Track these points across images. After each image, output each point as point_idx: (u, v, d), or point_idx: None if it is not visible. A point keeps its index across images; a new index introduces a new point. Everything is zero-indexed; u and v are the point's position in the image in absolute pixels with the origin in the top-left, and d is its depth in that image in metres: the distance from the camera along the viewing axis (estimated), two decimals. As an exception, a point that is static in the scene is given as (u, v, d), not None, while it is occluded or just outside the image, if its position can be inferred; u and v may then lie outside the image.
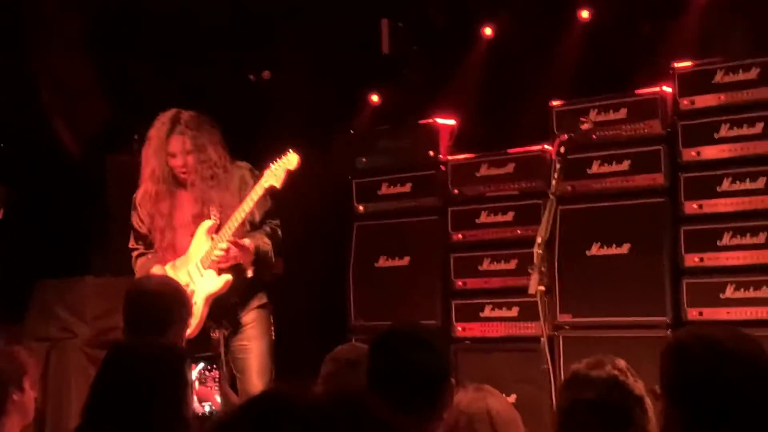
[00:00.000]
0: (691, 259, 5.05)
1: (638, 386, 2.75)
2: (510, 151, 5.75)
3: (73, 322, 5.58)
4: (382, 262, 6.08)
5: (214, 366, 3.04)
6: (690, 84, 5.16)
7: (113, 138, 6.19)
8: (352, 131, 6.47)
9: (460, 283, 5.81)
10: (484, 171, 5.81)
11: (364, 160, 6.27)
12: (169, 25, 6.41)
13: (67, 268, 5.81)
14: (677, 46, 5.45)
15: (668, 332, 5.00)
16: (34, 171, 5.94)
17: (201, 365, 2.94)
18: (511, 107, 6.04)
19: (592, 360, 2.84)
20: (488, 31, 6.21)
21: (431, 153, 6.03)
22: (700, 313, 4.96)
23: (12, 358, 3.43)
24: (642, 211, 5.22)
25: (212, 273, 4.83)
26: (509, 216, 5.68)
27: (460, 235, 5.85)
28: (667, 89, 5.24)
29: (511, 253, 5.60)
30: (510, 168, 5.71)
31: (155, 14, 6.32)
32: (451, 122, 6.13)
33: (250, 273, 4.87)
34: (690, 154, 5.12)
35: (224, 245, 4.73)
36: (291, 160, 4.81)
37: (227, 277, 4.82)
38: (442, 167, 5.97)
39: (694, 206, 5.08)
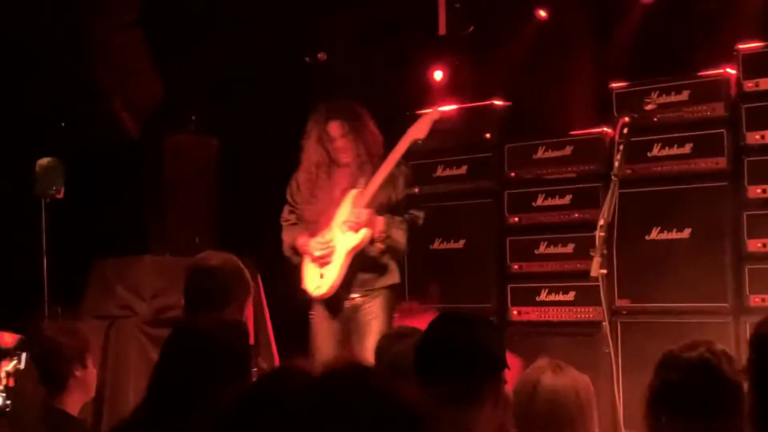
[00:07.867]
0: (754, 245, 4.96)
1: (732, 370, 2.63)
2: (570, 133, 5.67)
3: (132, 301, 5.61)
4: (437, 245, 6.05)
5: None
6: (754, 66, 5.06)
7: (170, 118, 6.22)
8: (408, 113, 6.42)
9: (516, 266, 5.77)
10: (541, 154, 5.75)
11: (419, 142, 6.21)
12: (224, 5, 6.41)
13: (125, 247, 5.85)
14: (741, 25, 5.32)
15: (729, 318, 4.92)
16: (93, 150, 5.98)
17: None
18: (567, 89, 5.95)
19: (688, 342, 2.74)
20: (542, 13, 6.09)
21: (487, 135, 5.98)
22: (763, 300, 4.88)
23: (74, 335, 3.43)
24: (704, 195, 5.14)
25: (352, 233, 4.97)
26: (566, 199, 5.62)
27: (516, 218, 5.80)
28: (731, 71, 5.13)
29: (568, 236, 5.55)
30: (568, 151, 5.65)
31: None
32: (508, 104, 6.07)
33: (376, 249, 4.98)
34: (754, 137, 5.02)
35: (362, 212, 4.89)
36: (434, 113, 5.11)
37: (365, 231, 4.94)
38: (499, 150, 5.91)
39: (758, 191, 4.98)
